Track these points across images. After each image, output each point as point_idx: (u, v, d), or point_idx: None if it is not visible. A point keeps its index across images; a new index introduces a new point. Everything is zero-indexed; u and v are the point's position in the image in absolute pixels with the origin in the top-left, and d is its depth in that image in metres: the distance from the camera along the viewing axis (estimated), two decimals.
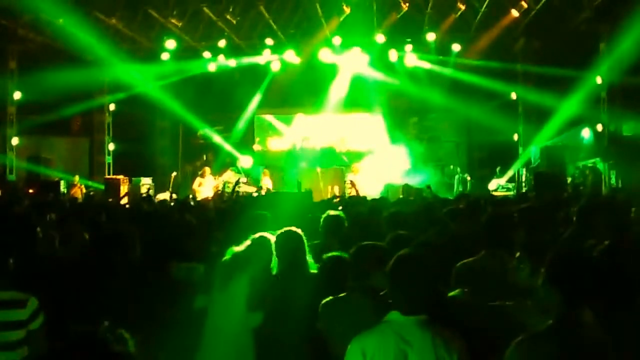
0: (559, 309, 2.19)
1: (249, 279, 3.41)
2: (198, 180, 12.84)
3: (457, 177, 13.53)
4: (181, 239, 4.27)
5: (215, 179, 12.90)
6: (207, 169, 12.97)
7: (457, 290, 2.77)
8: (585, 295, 2.22)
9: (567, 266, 2.28)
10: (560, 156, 13.02)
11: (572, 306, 2.18)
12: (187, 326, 3.42)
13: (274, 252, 3.41)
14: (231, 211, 6.04)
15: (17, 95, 13.15)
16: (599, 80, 12.41)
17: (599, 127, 12.57)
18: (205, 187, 12.57)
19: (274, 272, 3.40)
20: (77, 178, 13.21)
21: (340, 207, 6.02)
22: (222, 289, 3.45)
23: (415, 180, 12.28)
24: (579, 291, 2.21)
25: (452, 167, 13.94)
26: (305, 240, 3.43)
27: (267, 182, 12.88)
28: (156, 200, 11.65)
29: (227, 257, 3.59)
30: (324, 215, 4.31)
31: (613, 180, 12.16)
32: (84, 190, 13.06)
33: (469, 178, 13.38)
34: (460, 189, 13.14)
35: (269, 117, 15.52)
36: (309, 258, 3.41)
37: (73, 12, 11.58)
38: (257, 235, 3.58)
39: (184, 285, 3.66)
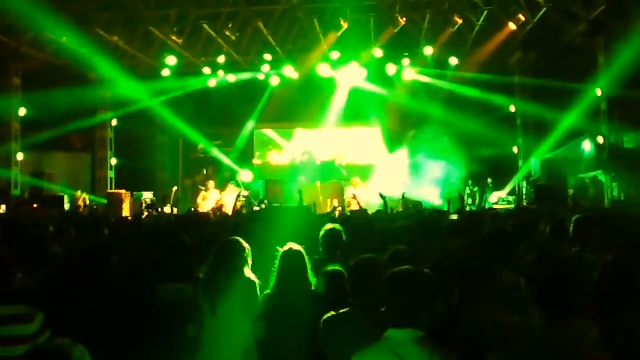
0: (542, 324, 2.21)
1: (243, 290, 3.42)
2: (202, 194, 12.88)
3: (467, 189, 13.48)
4: (174, 258, 4.18)
5: (219, 193, 12.96)
6: (212, 183, 12.98)
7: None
8: (569, 311, 2.22)
9: (549, 282, 2.30)
10: (561, 169, 12.94)
11: (555, 322, 2.19)
12: (179, 352, 3.39)
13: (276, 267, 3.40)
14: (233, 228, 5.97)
15: (22, 112, 13.39)
16: (598, 92, 12.39)
17: (600, 140, 12.49)
18: (209, 201, 12.62)
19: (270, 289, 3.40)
20: (79, 192, 13.37)
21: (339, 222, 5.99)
22: (213, 309, 3.44)
23: (420, 193, 12.30)
24: (563, 308, 2.23)
25: (454, 180, 13.89)
26: (306, 257, 3.42)
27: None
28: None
29: None
30: (322, 232, 4.27)
31: (615, 193, 12.07)
32: (88, 203, 13.21)
33: (468, 192, 13.33)
34: (470, 202, 13.12)
35: (269, 132, 15.59)
36: (311, 275, 3.39)
37: (75, 31, 11.83)
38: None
39: (173, 308, 3.61)
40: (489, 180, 13.80)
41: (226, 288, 3.47)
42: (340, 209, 11.75)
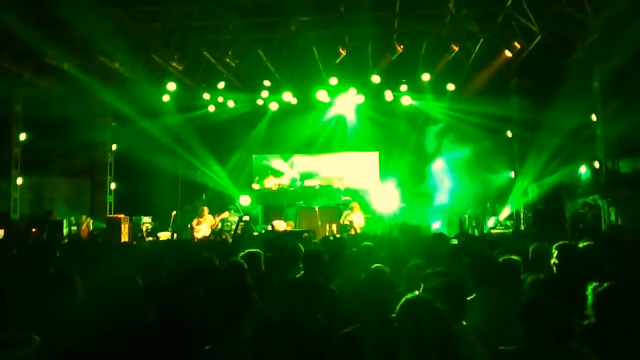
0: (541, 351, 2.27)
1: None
2: (196, 219, 12.92)
3: (468, 213, 13.52)
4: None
5: (213, 218, 12.99)
6: (206, 208, 13.00)
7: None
8: (568, 337, 2.29)
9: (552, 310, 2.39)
10: (558, 193, 13.02)
11: (555, 348, 2.26)
12: None
13: None
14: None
15: (22, 136, 13.48)
16: (594, 117, 12.50)
17: (596, 164, 12.57)
18: (204, 225, 12.67)
19: None
20: (84, 217, 13.43)
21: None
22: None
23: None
24: (563, 334, 2.31)
25: (453, 206, 13.93)
26: None
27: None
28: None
29: None
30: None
31: (612, 217, 12.10)
32: (90, 228, 13.24)
33: (467, 217, 13.38)
34: (474, 224, 13.17)
35: (268, 157, 15.62)
36: None
37: (77, 57, 11.97)
38: None
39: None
40: (488, 205, 13.85)
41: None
42: (338, 235, 11.78)
